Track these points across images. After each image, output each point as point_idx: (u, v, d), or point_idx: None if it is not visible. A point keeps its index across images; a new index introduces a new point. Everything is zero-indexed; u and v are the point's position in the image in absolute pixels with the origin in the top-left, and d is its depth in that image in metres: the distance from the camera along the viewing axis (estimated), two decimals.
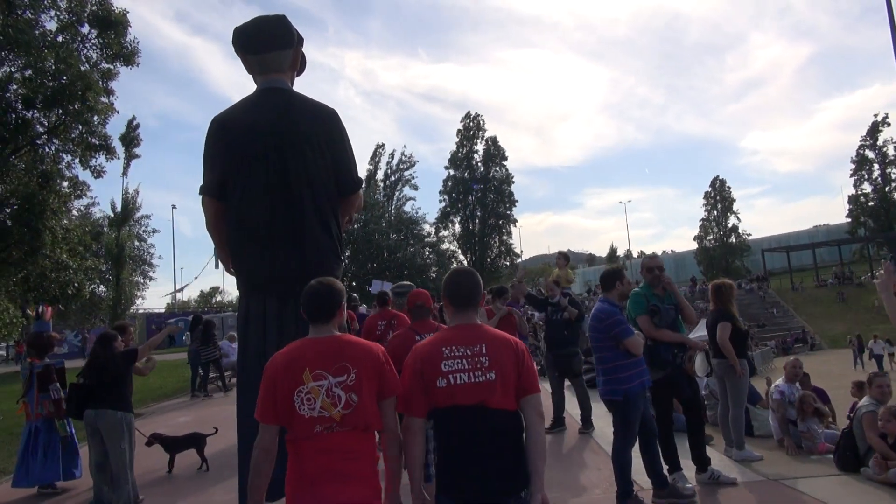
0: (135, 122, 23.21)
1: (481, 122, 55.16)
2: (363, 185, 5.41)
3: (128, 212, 23.12)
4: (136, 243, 30.30)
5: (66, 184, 15.55)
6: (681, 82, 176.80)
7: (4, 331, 16.11)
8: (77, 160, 15.32)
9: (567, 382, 8.51)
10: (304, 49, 5.07)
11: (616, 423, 5.07)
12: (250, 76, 5.20)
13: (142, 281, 30.77)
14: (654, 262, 5.85)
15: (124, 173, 23.35)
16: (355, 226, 45.11)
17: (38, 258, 13.87)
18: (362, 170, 51.47)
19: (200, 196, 4.94)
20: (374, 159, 53.91)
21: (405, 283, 9.12)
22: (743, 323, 7.10)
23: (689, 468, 5.60)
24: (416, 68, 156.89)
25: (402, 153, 53.79)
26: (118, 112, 15.75)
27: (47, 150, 15.25)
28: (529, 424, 2.67)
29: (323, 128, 4.88)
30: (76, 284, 15.07)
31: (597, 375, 5.32)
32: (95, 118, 14.76)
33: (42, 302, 13.39)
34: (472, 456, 2.58)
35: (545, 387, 10.68)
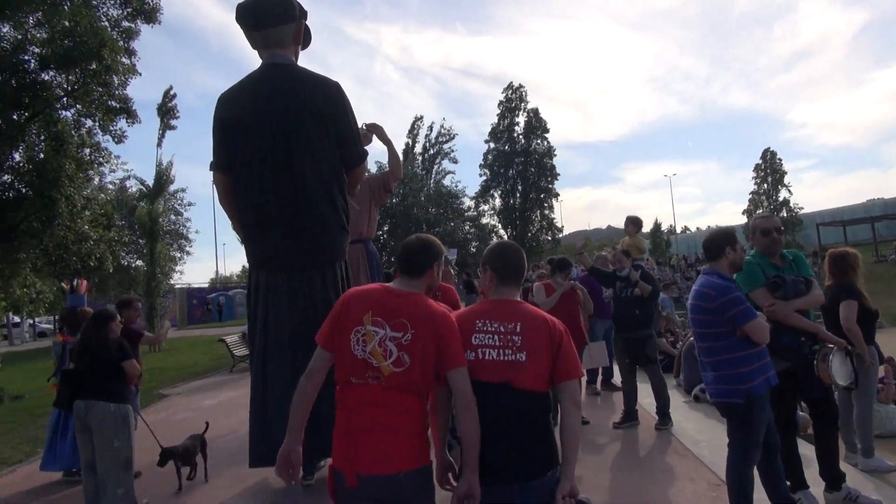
0: (171, 93, 22.21)
1: (524, 93, 53.03)
2: (367, 157, 5.32)
3: (161, 184, 22.17)
4: (173, 217, 29.65)
5: (87, 150, 14.46)
6: (727, 54, 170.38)
7: (31, 306, 15.35)
8: (97, 125, 14.30)
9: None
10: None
11: (734, 433, 3.99)
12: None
13: (178, 255, 30.19)
14: (771, 223, 4.61)
15: (159, 145, 22.38)
16: (394, 200, 44.04)
17: (54, 228, 12.85)
18: (400, 143, 50.21)
19: (211, 172, 5.05)
20: (413, 132, 52.42)
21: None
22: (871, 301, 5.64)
23: (815, 484, 4.57)
24: (453, 42, 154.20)
25: (442, 126, 52.29)
26: (140, 74, 14.71)
27: (67, 115, 14.22)
28: (565, 411, 2.58)
29: (326, 101, 4.90)
30: (97, 256, 14.05)
31: (703, 371, 4.14)
32: (115, 79, 13.64)
33: (69, 275, 12.68)
34: (492, 434, 2.49)
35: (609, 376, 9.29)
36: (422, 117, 53.19)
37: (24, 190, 12.58)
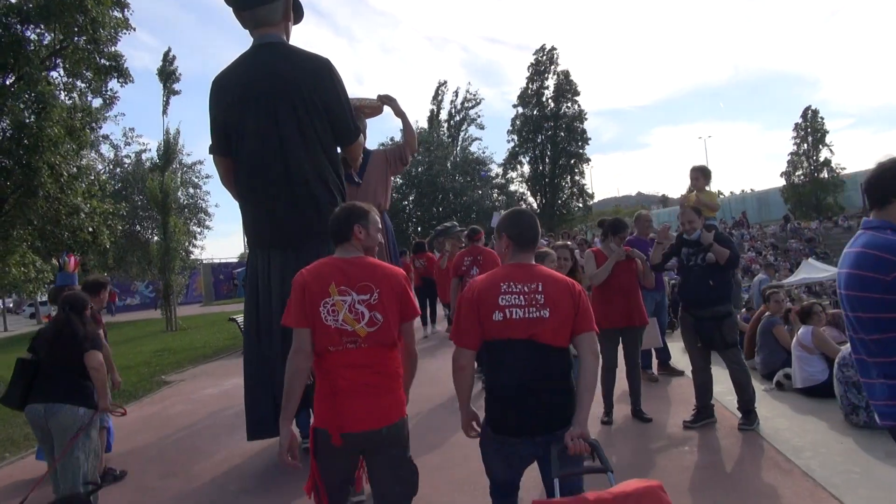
0: (171, 55, 20.67)
1: (555, 55, 50.48)
2: (360, 133, 5.35)
3: (170, 154, 20.84)
4: (191, 190, 28.50)
5: (79, 115, 13.11)
6: (760, 11, 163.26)
7: (30, 286, 14.23)
8: (88, 87, 12.96)
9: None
10: None
11: None
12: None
13: (198, 230, 29.08)
14: None
15: (164, 112, 20.94)
16: (419, 168, 42.47)
17: (37, 201, 11.56)
18: (425, 109, 48.39)
19: (211, 155, 5.25)
20: (437, 98, 50.42)
21: (448, 223, 9.50)
22: None
23: None
24: (479, 7, 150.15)
25: (467, 91, 50.47)
26: (134, 29, 13.25)
27: (53, 75, 12.87)
28: (583, 360, 2.67)
29: (315, 79, 4.94)
30: (90, 230, 12.76)
31: (864, 376, 2.61)
32: (103, 33, 12.22)
33: (63, 251, 11.58)
34: (519, 390, 2.63)
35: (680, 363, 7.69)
36: (445, 82, 51.58)
37: (6, 161, 11.32)
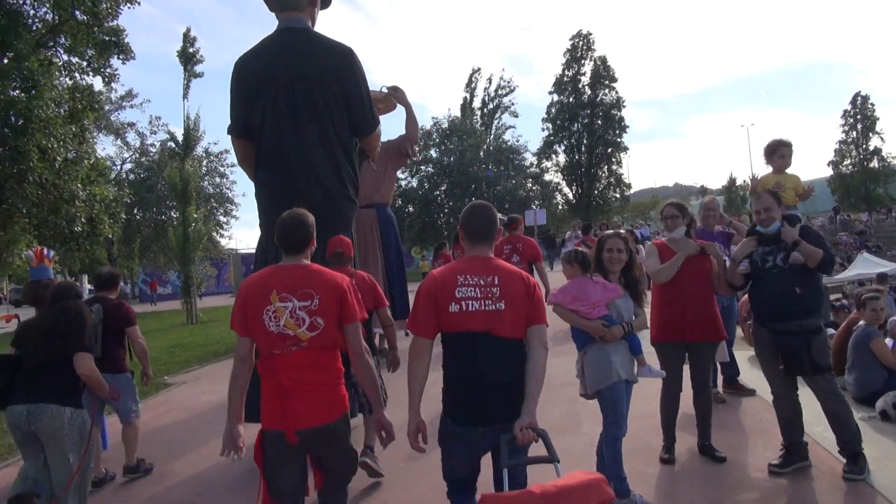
0: (191, 35, 19.54)
1: (591, 40, 48.39)
2: (379, 125, 5.31)
3: (190, 140, 19.79)
4: (217, 180, 27.56)
5: (79, 96, 12.03)
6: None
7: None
8: (88, 63, 11.87)
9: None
10: None
11: None
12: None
13: (224, 220, 28.16)
14: None
15: (185, 96, 19.86)
16: (451, 157, 41.06)
17: (25, 187, 10.45)
18: (457, 97, 46.87)
19: (229, 136, 5.21)
20: (470, 85, 48.71)
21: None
22: None
23: None
24: None
25: (501, 78, 48.42)
26: (138, 3, 12.10)
27: (55, 54, 11.78)
28: (532, 351, 2.71)
29: (335, 69, 4.94)
30: (89, 219, 11.65)
31: None
32: (104, 5, 11.09)
33: (46, 243, 10.55)
34: (478, 382, 2.67)
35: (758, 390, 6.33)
36: (479, 69, 49.73)
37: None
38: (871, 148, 58.20)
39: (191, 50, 19.88)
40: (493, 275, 2.75)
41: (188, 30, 19.80)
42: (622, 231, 4.78)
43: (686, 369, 4.77)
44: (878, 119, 58.76)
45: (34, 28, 10.93)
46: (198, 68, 20.04)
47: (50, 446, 3.71)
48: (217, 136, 44.71)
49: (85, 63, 12.14)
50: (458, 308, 2.69)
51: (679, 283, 4.63)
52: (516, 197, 40.83)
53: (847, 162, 59.17)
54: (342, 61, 4.97)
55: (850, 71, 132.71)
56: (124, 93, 26.09)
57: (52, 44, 11.55)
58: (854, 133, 58.90)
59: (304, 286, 2.84)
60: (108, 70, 12.17)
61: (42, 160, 10.24)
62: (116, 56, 12.13)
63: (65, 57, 12.14)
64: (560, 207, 48.08)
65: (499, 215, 12.74)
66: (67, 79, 12.11)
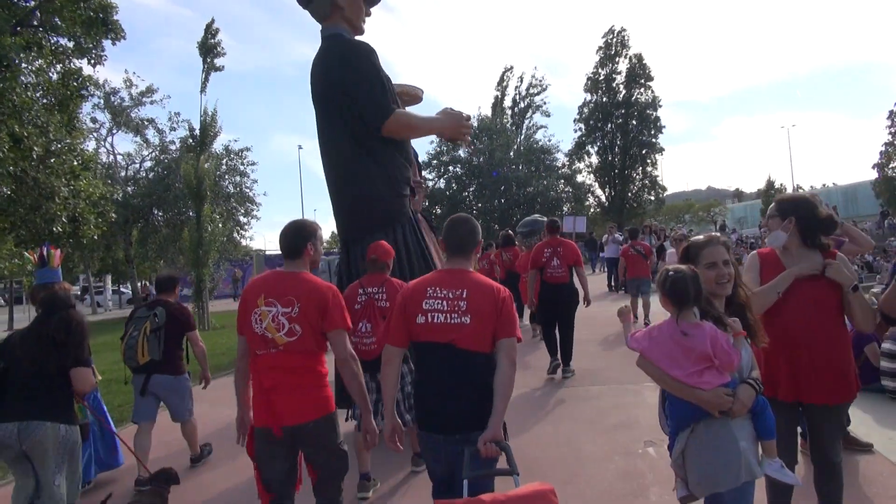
0: (214, 27, 18.18)
1: (625, 37, 46.19)
2: (391, 110, 5.23)
3: (206, 136, 18.50)
4: (238, 178, 26.34)
5: (71, 81, 10.70)
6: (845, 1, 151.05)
7: (28, 279, 12.04)
8: (75, 45, 10.57)
9: None
10: None
11: None
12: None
13: (245, 220, 26.94)
14: None
15: (203, 90, 18.54)
16: (480, 158, 39.39)
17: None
18: (488, 96, 45.20)
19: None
20: (502, 84, 46.82)
21: (528, 218, 10.37)
22: None
23: None
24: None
25: (533, 76, 46.47)
26: None
27: (47, 36, 10.46)
28: (499, 366, 2.68)
29: (328, 74, 5.23)
30: (71, 218, 10.31)
31: None
32: None
33: (44, 243, 9.22)
34: (438, 391, 2.71)
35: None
36: (511, 67, 47.91)
37: None
38: None
39: (211, 41, 18.66)
40: (462, 288, 2.74)
41: (212, 21, 18.55)
42: (717, 234, 3.19)
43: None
44: None
45: (15, 2, 9.60)
46: (219, 62, 18.88)
47: (42, 466, 3.48)
48: (239, 132, 43.53)
49: (72, 44, 10.77)
50: (424, 319, 2.73)
51: (787, 312, 3.14)
52: (548, 198, 39.01)
53: (893, 164, 56.16)
54: (331, 63, 5.13)
55: (891, 72, 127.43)
56: (144, 88, 24.92)
57: (36, 23, 10.20)
58: None
59: (288, 293, 2.97)
60: (95, 51, 10.79)
61: (15, 150, 8.88)
62: (105, 35, 10.76)
63: (52, 38, 10.77)
64: (592, 210, 46.15)
65: (537, 217, 11.36)
66: (58, 64, 10.74)
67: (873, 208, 51.89)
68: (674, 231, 20.04)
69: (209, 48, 18.33)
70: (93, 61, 10.92)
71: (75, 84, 10.70)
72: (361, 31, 5.93)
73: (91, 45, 10.67)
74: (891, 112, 56.85)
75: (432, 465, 2.90)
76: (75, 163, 10.64)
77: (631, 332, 2.86)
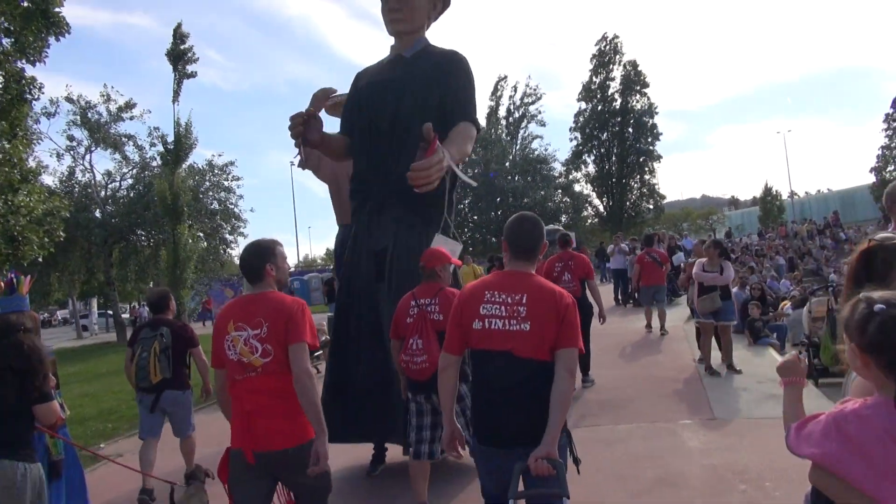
0: (182, 30, 16.94)
1: (619, 44, 45.02)
2: None
3: (181, 148, 17.23)
4: (223, 194, 24.97)
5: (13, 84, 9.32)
6: (833, 7, 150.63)
7: None
8: (13, 42, 9.23)
9: None
10: None
11: None
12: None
13: (231, 237, 25.52)
14: None
15: (175, 99, 17.30)
16: (475, 169, 38.11)
17: None
18: (482, 106, 44.12)
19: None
20: (496, 94, 45.49)
21: (552, 227, 9.24)
22: None
23: None
24: (537, 11, 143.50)
25: (527, 85, 45.11)
26: None
27: None
28: (557, 377, 2.51)
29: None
30: (4, 239, 8.89)
31: None
32: None
33: (11, 269, 8.08)
34: (494, 400, 2.57)
35: None
36: (505, 77, 46.35)
37: None
38: None
39: (181, 47, 17.43)
40: (521, 293, 2.58)
41: (179, 25, 17.31)
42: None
43: None
44: None
45: None
46: (192, 68, 17.65)
47: None
48: (232, 150, 42.17)
49: (10, 41, 9.42)
50: (481, 325, 2.60)
51: None
52: (545, 209, 37.72)
53: (891, 167, 55.30)
54: None
55: (883, 77, 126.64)
56: (123, 103, 23.59)
57: None
58: None
59: (256, 315, 2.92)
60: (35, 46, 9.43)
61: None
62: (48, 31, 9.45)
63: None
64: (590, 221, 44.94)
65: (554, 227, 9.93)
66: None
67: (871, 213, 50.96)
68: (672, 239, 18.73)
69: (179, 55, 17.12)
70: (32, 58, 9.57)
71: (16, 87, 9.33)
72: (390, 32, 5.48)
73: (31, 39, 9.30)
74: (887, 115, 56.23)
75: (485, 481, 2.73)
76: (15, 174, 9.24)
77: (797, 414, 1.72)
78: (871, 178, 55.69)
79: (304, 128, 4.89)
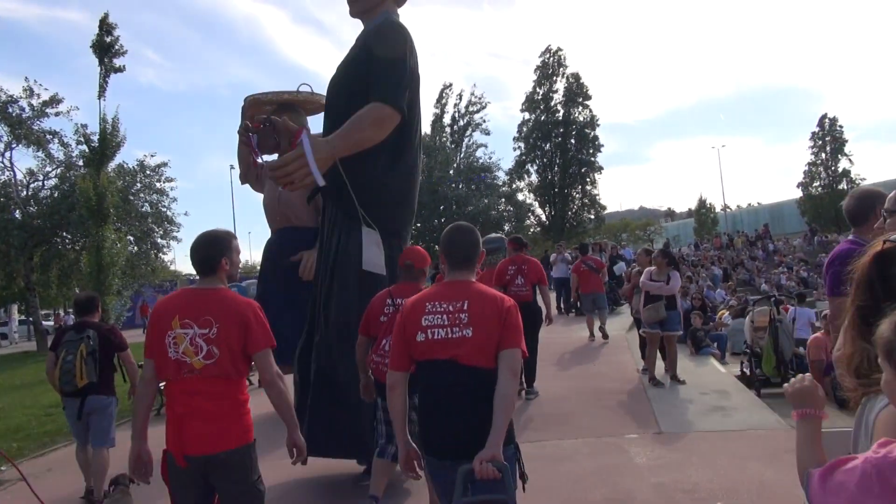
0: (109, 21, 16.01)
1: (562, 57, 45.57)
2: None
3: (107, 146, 16.26)
4: (155, 197, 23.81)
5: None
6: (764, 26, 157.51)
7: None
8: None
9: None
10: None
11: None
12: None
13: (163, 242, 24.32)
14: None
15: (101, 95, 16.30)
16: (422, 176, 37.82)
17: None
18: (427, 114, 43.92)
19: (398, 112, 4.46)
20: (441, 101, 45.26)
21: (493, 236, 8.85)
22: None
23: None
24: (479, 22, 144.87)
25: (472, 94, 45.12)
26: None
27: None
28: (500, 378, 2.46)
29: None
30: None
31: None
32: None
33: None
34: (442, 411, 2.53)
35: None
36: (451, 85, 46.02)
37: None
38: (840, 170, 57.05)
39: (108, 39, 16.47)
40: (462, 300, 2.54)
41: (106, 15, 16.33)
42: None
43: None
44: (846, 141, 57.73)
45: None
46: (119, 62, 16.71)
47: None
48: (152, 144, 40.36)
49: None
50: (424, 337, 2.54)
51: None
52: (489, 217, 37.71)
53: (816, 184, 57.98)
54: None
55: (808, 97, 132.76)
56: (48, 98, 22.21)
57: None
58: (823, 155, 57.75)
59: (206, 312, 2.75)
60: None
61: None
62: None
63: None
64: (532, 230, 45.26)
65: (496, 235, 9.69)
66: None
67: (798, 226, 53.28)
68: (614, 248, 18.85)
69: (105, 47, 16.17)
70: None
71: None
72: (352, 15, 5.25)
73: None
74: (813, 134, 59.16)
75: (439, 495, 2.70)
76: None
77: (817, 456, 1.40)
78: (798, 193, 58.47)
79: (247, 145, 4.68)
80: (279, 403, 2.87)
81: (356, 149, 4.29)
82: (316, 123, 7.52)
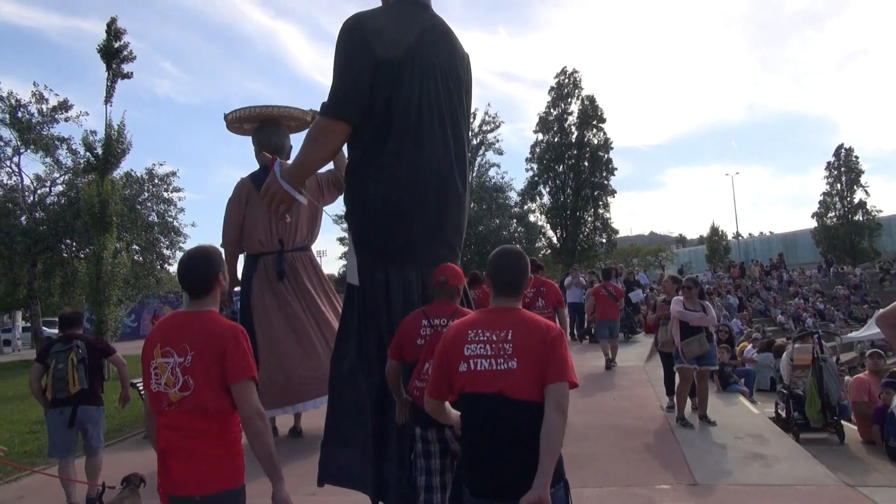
0: (117, 26, 15.68)
1: (578, 79, 45.24)
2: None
3: (112, 153, 15.86)
4: (163, 207, 23.42)
5: None
6: (777, 54, 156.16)
7: None
8: None
9: None
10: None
11: None
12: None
13: (168, 253, 23.85)
14: None
15: (107, 100, 15.93)
16: None
17: None
18: None
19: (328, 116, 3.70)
20: None
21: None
22: None
23: None
24: (494, 45, 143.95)
25: (486, 113, 45.01)
26: None
27: None
28: (546, 415, 2.28)
29: (465, 58, 4.24)
30: None
31: None
32: None
33: None
34: (487, 447, 2.38)
35: None
36: None
37: None
38: (857, 201, 56.26)
39: (116, 45, 16.14)
40: (507, 329, 2.41)
41: (113, 20, 16.00)
42: None
43: None
44: (863, 172, 57.01)
45: None
46: (128, 67, 16.37)
47: None
48: (160, 153, 40.02)
49: None
50: (466, 367, 2.41)
51: None
52: (500, 238, 37.09)
53: (831, 214, 57.20)
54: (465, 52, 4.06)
55: (821, 127, 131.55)
56: (57, 103, 21.95)
57: None
58: (839, 185, 57.01)
59: (183, 339, 2.51)
60: None
61: None
62: None
63: None
64: (543, 252, 44.61)
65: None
66: None
67: (811, 256, 52.43)
68: (630, 273, 18.17)
69: (113, 52, 15.81)
70: None
71: None
72: None
73: None
74: (828, 164, 58.42)
75: None
76: None
77: None
78: (812, 223, 57.69)
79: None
80: (256, 446, 2.50)
81: (307, 168, 3.75)
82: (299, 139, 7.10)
